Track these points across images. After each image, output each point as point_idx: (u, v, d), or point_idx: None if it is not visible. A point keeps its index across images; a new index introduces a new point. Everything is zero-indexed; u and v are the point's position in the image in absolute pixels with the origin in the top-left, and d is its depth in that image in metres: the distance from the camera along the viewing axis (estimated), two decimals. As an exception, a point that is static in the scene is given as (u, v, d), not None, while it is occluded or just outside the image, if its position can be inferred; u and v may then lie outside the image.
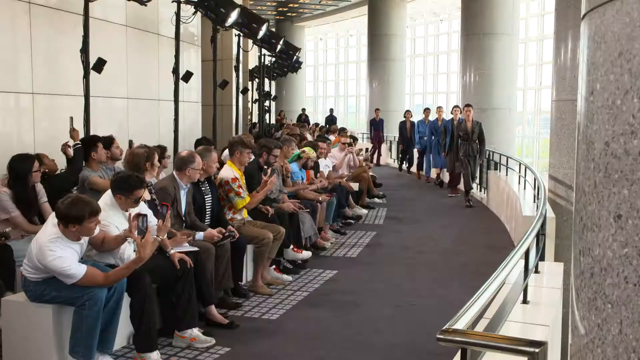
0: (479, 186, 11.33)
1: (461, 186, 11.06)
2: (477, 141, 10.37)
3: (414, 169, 14.57)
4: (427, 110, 13.66)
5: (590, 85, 1.52)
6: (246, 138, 6.16)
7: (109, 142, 5.65)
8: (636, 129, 1.32)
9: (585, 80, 1.57)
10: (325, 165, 8.70)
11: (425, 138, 13.12)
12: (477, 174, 11.02)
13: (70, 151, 5.31)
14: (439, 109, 13.11)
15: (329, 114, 23.39)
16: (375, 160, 16.25)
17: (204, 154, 5.09)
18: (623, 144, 1.36)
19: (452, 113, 11.51)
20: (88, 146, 5.37)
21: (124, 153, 5.87)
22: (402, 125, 14.53)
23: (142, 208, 4.24)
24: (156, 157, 4.77)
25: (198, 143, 6.89)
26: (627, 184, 1.35)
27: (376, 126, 17.15)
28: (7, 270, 4.21)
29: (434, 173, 13.25)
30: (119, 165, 5.77)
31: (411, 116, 14.75)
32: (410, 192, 12.44)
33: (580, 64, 1.63)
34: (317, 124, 19.11)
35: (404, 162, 15.36)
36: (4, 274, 4.20)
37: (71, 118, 5.39)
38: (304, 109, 24.43)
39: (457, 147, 10.52)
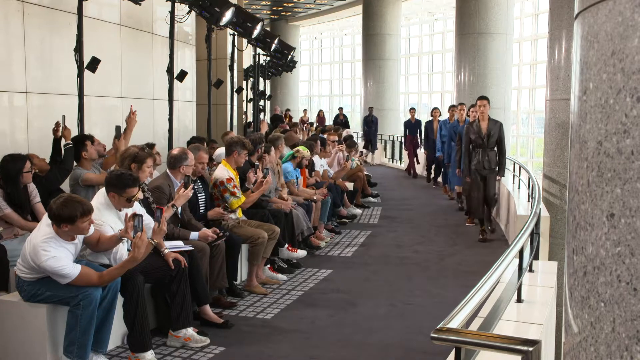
0: None
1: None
2: (495, 149, 7.64)
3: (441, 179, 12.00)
4: (452, 109, 10.64)
5: (583, 84, 1.53)
6: (245, 139, 6.17)
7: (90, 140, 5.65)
8: (629, 128, 1.33)
9: (578, 79, 1.57)
10: (321, 164, 8.72)
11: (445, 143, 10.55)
12: (498, 195, 8.27)
13: (59, 132, 5.35)
14: (461, 106, 9.87)
15: (337, 113, 19.74)
16: (412, 173, 14.54)
17: (192, 152, 5.13)
18: (616, 143, 1.37)
19: (448, 112, 10.36)
20: (78, 145, 5.37)
21: (107, 149, 5.96)
22: (429, 125, 12.05)
23: (137, 208, 4.24)
24: (149, 162, 4.70)
25: (190, 143, 6.89)
26: (619, 183, 1.36)
27: (412, 129, 14.21)
28: (1, 270, 4.19)
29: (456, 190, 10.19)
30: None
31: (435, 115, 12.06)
32: (405, 191, 12.45)
33: (573, 64, 1.63)
34: (312, 123, 19.10)
35: (430, 171, 12.80)
36: None
37: (63, 117, 5.38)
38: (341, 108, 20.45)
39: (469, 157, 7.73)
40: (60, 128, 5.41)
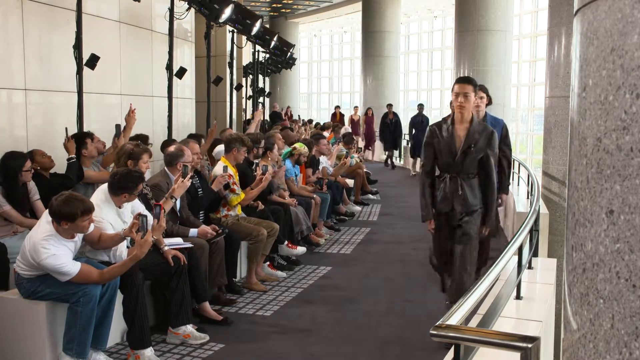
0: None
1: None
2: (476, 174, 4.25)
3: None
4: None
5: (582, 81, 1.53)
6: (244, 136, 6.19)
7: (90, 138, 5.65)
8: (628, 124, 1.33)
9: (577, 76, 1.57)
10: (325, 162, 8.74)
11: None
12: (497, 226, 5.14)
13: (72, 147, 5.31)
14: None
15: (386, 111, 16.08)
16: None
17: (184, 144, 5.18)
18: (615, 140, 1.37)
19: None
20: (78, 143, 5.36)
21: (106, 146, 6.00)
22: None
23: (137, 206, 4.24)
24: (145, 158, 4.70)
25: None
26: (619, 180, 1.36)
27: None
28: (1, 270, 4.17)
29: None
30: None
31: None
32: (404, 188, 12.45)
33: (573, 60, 1.63)
34: (310, 121, 19.06)
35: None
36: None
37: (66, 129, 5.35)
38: (390, 105, 16.47)
39: (430, 185, 4.38)
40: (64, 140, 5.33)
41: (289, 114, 21.15)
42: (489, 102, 5.17)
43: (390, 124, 15.55)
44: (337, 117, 19.09)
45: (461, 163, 4.19)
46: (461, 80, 4.19)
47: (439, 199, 4.29)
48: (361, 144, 17.04)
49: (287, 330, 4.51)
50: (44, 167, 5.06)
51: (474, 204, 4.23)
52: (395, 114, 15.91)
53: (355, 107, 19.93)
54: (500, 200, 4.97)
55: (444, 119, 4.33)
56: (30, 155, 4.87)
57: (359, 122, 18.31)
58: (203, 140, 6.77)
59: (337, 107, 20.29)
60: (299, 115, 23.30)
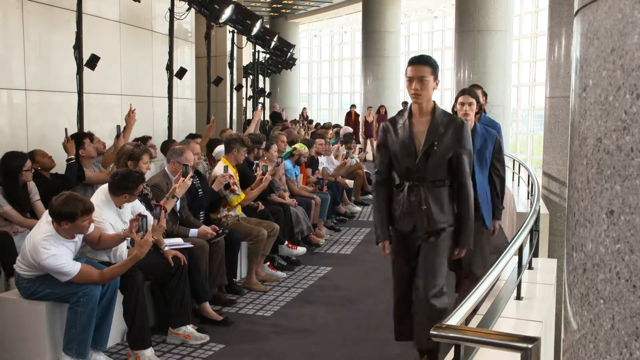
0: None
1: None
2: (445, 182, 3.33)
3: None
4: None
5: (583, 81, 1.53)
6: (244, 136, 6.19)
7: (89, 138, 5.65)
8: (628, 125, 1.33)
9: (578, 76, 1.57)
10: (326, 162, 8.74)
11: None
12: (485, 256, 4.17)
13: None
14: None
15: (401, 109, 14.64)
16: None
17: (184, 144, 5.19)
18: (615, 140, 1.36)
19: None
20: (76, 144, 5.35)
21: (106, 146, 6.01)
22: None
23: (138, 206, 4.24)
24: (145, 159, 4.71)
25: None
26: (619, 180, 1.36)
27: None
28: (9, 257, 4.17)
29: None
30: None
31: None
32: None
33: (573, 61, 1.63)
34: (310, 121, 19.04)
35: None
36: (6, 261, 4.19)
37: (66, 129, 5.35)
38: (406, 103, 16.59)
39: (385, 195, 3.48)
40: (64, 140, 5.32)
41: (304, 115, 21.05)
42: (481, 109, 4.32)
43: None
44: (352, 117, 18.49)
45: (423, 167, 3.24)
46: (414, 61, 3.21)
47: (397, 215, 3.35)
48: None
49: (288, 330, 4.51)
50: (45, 167, 5.06)
51: (442, 221, 3.25)
52: None
53: (369, 108, 18.89)
54: (493, 229, 4.18)
55: (400, 112, 3.52)
56: (31, 156, 4.87)
57: (373, 124, 17.85)
58: (199, 140, 6.78)
59: (353, 106, 19.26)
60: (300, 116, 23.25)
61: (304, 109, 22.71)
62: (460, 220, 3.32)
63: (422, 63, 3.18)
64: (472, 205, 3.34)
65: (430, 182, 3.26)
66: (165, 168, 4.96)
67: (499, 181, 4.13)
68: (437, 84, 3.22)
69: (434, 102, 3.27)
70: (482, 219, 3.98)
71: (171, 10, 7.40)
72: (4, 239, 4.31)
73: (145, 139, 6.11)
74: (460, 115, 3.92)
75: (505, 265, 2.87)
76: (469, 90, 4.16)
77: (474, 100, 4.02)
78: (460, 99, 4.06)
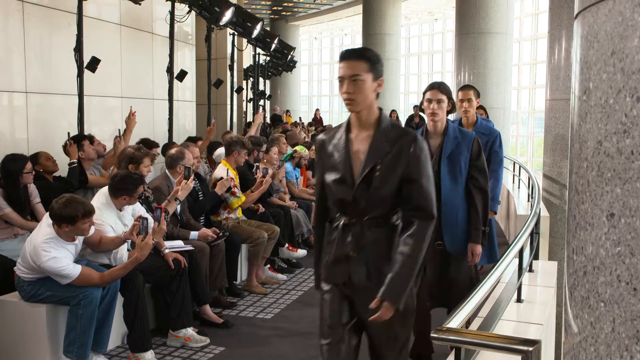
0: None
1: None
2: (394, 217, 2.40)
3: None
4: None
5: (583, 84, 1.53)
6: (244, 138, 6.20)
7: (89, 140, 5.65)
8: (629, 127, 1.33)
9: (578, 79, 1.57)
10: None
11: None
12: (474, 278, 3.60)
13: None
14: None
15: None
16: None
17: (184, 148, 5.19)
18: (616, 143, 1.36)
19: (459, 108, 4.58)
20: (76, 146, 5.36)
21: (107, 149, 6.02)
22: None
23: (138, 208, 4.25)
24: (146, 162, 4.70)
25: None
26: (619, 183, 1.36)
27: None
28: (3, 277, 4.12)
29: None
30: None
31: None
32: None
33: (573, 63, 1.63)
34: (310, 124, 19.04)
35: None
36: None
37: (68, 134, 5.35)
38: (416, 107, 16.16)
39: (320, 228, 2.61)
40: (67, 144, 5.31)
41: (317, 117, 21.03)
42: (452, 109, 3.48)
43: (416, 127, 15.10)
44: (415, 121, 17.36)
45: (363, 198, 2.34)
46: (344, 56, 2.43)
47: (329, 262, 2.46)
48: None
49: (288, 332, 4.50)
50: (48, 170, 5.05)
51: (387, 272, 2.29)
52: (421, 118, 14.83)
53: (393, 111, 17.39)
54: (468, 257, 3.38)
55: (339, 125, 2.52)
56: (35, 158, 4.87)
57: None
58: (199, 143, 6.78)
59: (416, 107, 16.93)
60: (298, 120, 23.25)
61: (317, 110, 22.66)
62: (397, 260, 2.27)
63: (355, 57, 2.38)
64: (424, 241, 2.29)
65: (371, 219, 2.36)
66: (166, 171, 4.96)
67: (480, 196, 3.36)
68: (379, 85, 2.38)
69: (379, 110, 2.41)
70: (459, 245, 3.32)
71: (172, 13, 7.41)
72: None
73: (150, 146, 6.02)
74: (426, 115, 3.33)
75: (505, 268, 2.87)
76: (439, 85, 3.41)
77: (444, 97, 3.32)
78: (427, 95, 3.35)
